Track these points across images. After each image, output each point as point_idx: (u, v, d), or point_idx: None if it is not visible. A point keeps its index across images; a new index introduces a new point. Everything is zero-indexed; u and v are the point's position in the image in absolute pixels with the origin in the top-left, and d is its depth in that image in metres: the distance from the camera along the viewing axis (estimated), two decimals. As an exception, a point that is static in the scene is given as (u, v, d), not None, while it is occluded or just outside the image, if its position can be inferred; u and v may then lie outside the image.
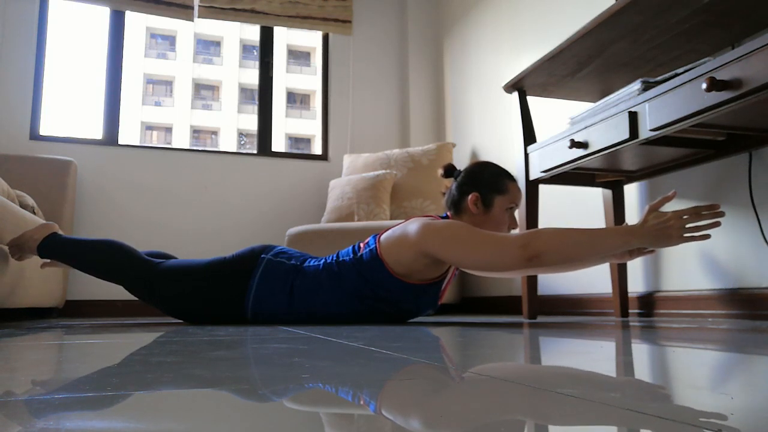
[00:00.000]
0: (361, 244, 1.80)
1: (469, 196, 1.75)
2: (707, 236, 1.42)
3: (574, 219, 2.56)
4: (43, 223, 1.95)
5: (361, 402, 0.46)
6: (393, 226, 1.77)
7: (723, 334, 1.16)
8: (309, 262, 1.83)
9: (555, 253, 1.45)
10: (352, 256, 1.77)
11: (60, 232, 1.95)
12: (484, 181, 1.76)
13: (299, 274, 1.78)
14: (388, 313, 1.77)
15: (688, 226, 1.42)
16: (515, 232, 1.81)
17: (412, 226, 1.67)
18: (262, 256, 1.83)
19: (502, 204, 1.75)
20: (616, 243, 1.45)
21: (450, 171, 1.84)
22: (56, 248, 1.88)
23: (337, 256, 1.81)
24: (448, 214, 1.82)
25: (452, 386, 0.52)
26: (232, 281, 1.80)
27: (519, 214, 2.11)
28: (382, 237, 1.75)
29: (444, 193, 1.85)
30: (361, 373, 0.62)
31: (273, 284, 1.78)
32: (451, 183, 1.84)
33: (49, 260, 1.99)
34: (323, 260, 1.82)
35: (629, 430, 0.35)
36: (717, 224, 1.41)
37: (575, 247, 1.45)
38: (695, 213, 1.40)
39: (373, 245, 1.74)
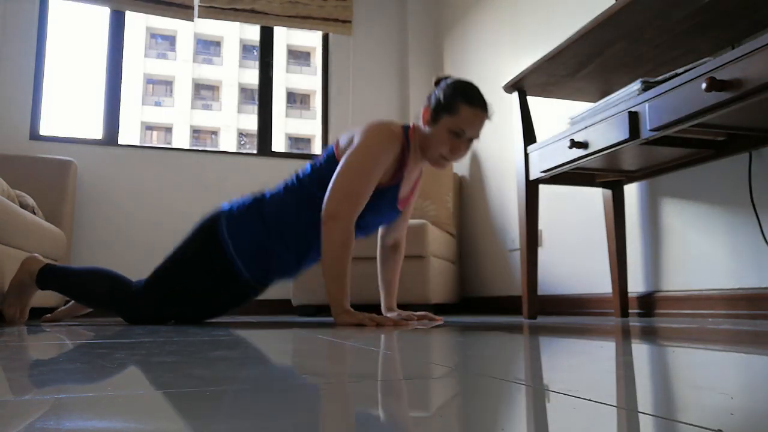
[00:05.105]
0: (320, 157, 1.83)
1: (423, 108, 1.72)
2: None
3: (574, 219, 2.56)
4: (25, 258, 1.90)
5: (361, 401, 0.46)
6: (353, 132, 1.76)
7: (723, 334, 1.16)
8: (268, 192, 1.85)
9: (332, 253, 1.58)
10: (309, 168, 1.80)
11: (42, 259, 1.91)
12: (440, 96, 1.68)
13: (264, 203, 1.79)
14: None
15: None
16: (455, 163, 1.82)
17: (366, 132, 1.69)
18: (217, 214, 1.80)
19: (447, 125, 1.68)
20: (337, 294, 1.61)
21: (438, 80, 1.77)
22: (54, 278, 1.85)
23: (296, 174, 1.84)
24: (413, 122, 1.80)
25: (451, 386, 0.52)
26: (207, 254, 1.77)
27: (519, 213, 2.10)
28: (341, 138, 1.76)
29: None
30: (361, 372, 0.62)
31: (245, 228, 1.76)
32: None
33: (50, 315, 2.01)
34: (283, 183, 1.85)
35: (629, 430, 0.35)
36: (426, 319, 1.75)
37: (336, 261, 1.61)
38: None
39: (332, 151, 1.76)
